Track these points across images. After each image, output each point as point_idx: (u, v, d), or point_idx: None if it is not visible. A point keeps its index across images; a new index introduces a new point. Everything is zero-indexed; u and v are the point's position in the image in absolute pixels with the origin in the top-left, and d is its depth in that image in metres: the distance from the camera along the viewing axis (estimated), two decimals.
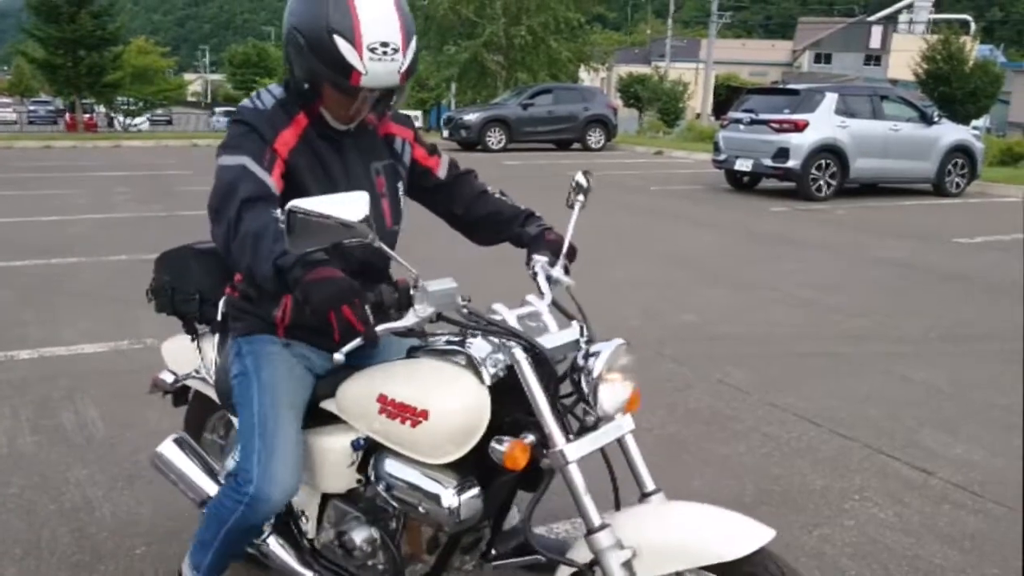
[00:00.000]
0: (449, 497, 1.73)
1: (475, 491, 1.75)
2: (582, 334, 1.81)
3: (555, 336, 1.78)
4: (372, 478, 1.88)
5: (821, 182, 11.86)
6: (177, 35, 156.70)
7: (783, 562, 1.56)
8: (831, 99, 12.03)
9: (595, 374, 1.67)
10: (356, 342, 1.66)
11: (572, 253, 2.05)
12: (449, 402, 1.71)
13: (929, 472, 3.32)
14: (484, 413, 1.70)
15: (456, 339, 1.79)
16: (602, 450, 1.77)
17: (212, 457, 2.43)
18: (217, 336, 2.26)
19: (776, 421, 3.82)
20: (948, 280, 6.90)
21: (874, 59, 57.65)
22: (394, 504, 1.86)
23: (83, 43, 28.80)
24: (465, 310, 1.70)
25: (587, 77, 36.11)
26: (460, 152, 17.82)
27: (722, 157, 12.84)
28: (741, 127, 12.58)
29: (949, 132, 12.87)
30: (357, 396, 1.88)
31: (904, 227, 9.75)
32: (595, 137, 20.44)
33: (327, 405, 1.97)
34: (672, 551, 1.56)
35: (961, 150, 12.72)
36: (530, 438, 1.68)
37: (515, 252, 2.16)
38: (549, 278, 1.96)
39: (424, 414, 1.72)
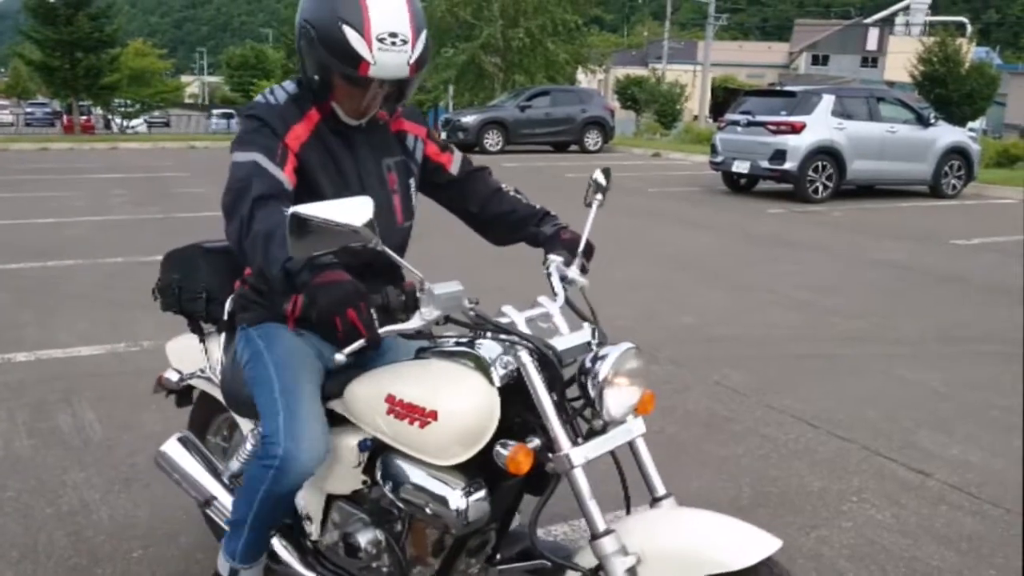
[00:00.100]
0: (457, 499, 1.71)
1: (482, 493, 1.73)
2: (593, 336, 1.80)
3: (565, 338, 1.77)
4: (378, 479, 1.86)
5: (818, 184, 11.88)
6: (174, 37, 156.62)
7: (786, 571, 1.55)
8: (828, 101, 12.05)
9: (601, 378, 1.66)
10: (358, 343, 1.66)
11: (589, 251, 2.04)
12: (458, 403, 1.70)
13: (926, 473, 3.33)
14: (493, 414, 1.69)
15: (465, 340, 1.78)
16: (613, 453, 1.76)
17: (216, 459, 2.42)
18: (224, 335, 2.25)
19: (774, 423, 3.82)
20: (945, 282, 6.91)
21: (871, 61, 57.79)
22: (400, 506, 1.84)
23: (80, 45, 28.80)
24: (472, 312, 1.69)
25: (584, 79, 36.13)
26: None
27: (719, 159, 12.86)
28: (738, 129, 12.60)
29: (945, 134, 12.90)
30: (365, 396, 1.86)
31: (901, 229, 9.77)
32: (592, 139, 20.45)
33: (334, 406, 1.96)
34: (677, 559, 1.55)
35: (957, 152, 12.75)
36: (535, 442, 1.67)
37: (529, 251, 2.15)
38: (563, 278, 1.95)
39: (433, 415, 1.70)
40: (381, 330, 1.65)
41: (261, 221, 1.75)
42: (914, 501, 3.10)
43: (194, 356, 2.37)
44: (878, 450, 3.54)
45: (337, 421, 1.95)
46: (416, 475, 1.78)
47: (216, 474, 2.31)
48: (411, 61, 1.81)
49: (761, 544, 1.52)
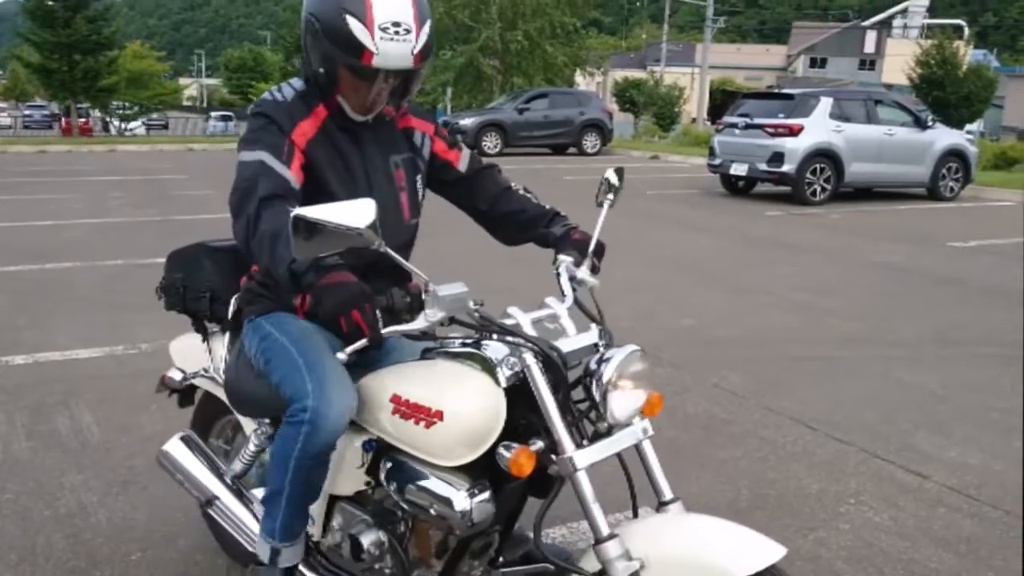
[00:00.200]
0: (461, 500, 1.70)
1: (487, 495, 1.72)
2: (600, 338, 1.79)
3: (571, 340, 1.76)
4: (382, 480, 1.86)
5: (816, 186, 11.89)
6: (172, 39, 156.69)
7: None
8: (826, 104, 12.07)
9: (605, 380, 1.65)
10: (360, 343, 1.66)
11: (600, 251, 2.03)
12: (464, 403, 1.69)
13: (924, 476, 3.33)
14: (499, 415, 1.68)
15: (471, 341, 1.78)
16: (620, 456, 1.75)
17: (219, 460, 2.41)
18: (227, 335, 2.25)
19: (772, 425, 3.82)
20: (943, 284, 6.92)
21: (869, 64, 57.90)
22: (403, 507, 1.84)
23: (78, 47, 28.80)
24: (477, 314, 1.69)
25: (583, 82, 36.17)
26: None
27: (717, 161, 12.87)
28: (736, 131, 12.62)
29: (943, 136, 12.92)
30: (370, 396, 1.86)
31: (899, 231, 9.78)
32: (591, 141, 20.45)
33: None
34: (680, 565, 1.54)
35: (955, 154, 12.77)
36: (539, 444, 1.66)
37: (539, 251, 2.15)
38: (573, 279, 1.94)
39: (439, 415, 1.69)
40: (385, 330, 1.65)
41: (267, 221, 1.76)
42: (912, 503, 3.10)
43: (197, 356, 2.37)
44: (876, 452, 3.54)
45: None
46: (420, 476, 1.77)
47: (219, 474, 2.30)
48: (415, 51, 1.81)
49: (765, 552, 1.51)
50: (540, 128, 19.91)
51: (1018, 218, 10.83)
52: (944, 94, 26.94)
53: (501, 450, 1.67)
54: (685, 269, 7.40)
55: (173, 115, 46.68)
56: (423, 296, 1.65)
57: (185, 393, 2.50)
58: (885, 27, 59.79)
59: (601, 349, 1.75)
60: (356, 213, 1.54)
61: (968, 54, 32.14)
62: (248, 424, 2.24)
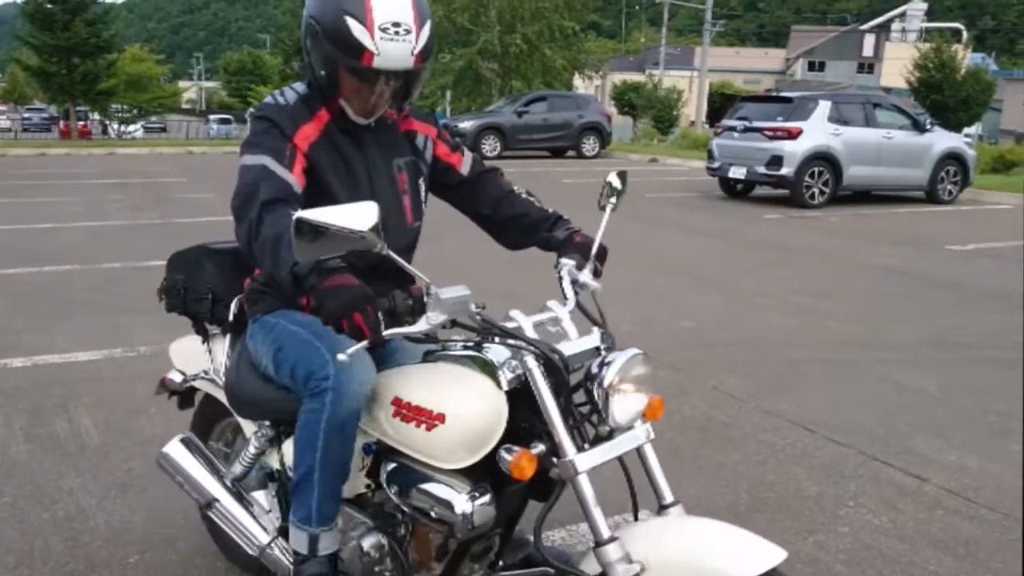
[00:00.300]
0: (462, 503, 1.69)
1: (488, 497, 1.72)
2: (602, 341, 1.79)
3: (573, 343, 1.76)
4: (382, 483, 1.85)
5: (814, 189, 11.90)
6: (171, 42, 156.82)
7: None
8: (824, 107, 12.08)
9: (606, 383, 1.65)
10: (360, 344, 1.66)
11: (603, 254, 2.02)
12: (466, 405, 1.69)
13: (923, 478, 3.33)
14: (501, 418, 1.68)
15: (472, 344, 1.78)
16: (621, 460, 1.75)
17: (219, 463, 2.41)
18: (228, 336, 2.25)
19: (771, 428, 3.82)
20: (941, 287, 6.93)
21: (867, 67, 57.98)
22: (404, 510, 1.83)
23: (77, 50, 28.84)
24: (478, 317, 1.69)
25: (581, 85, 36.22)
26: None
27: (716, 165, 12.89)
28: (735, 135, 12.63)
29: (941, 140, 12.93)
30: (371, 399, 1.86)
31: (897, 234, 9.79)
32: (590, 145, 20.47)
33: None
34: (680, 568, 1.54)
35: (953, 157, 12.78)
36: (540, 447, 1.67)
37: (542, 254, 2.15)
38: (575, 282, 1.94)
39: (440, 417, 1.70)
40: (387, 332, 1.65)
41: (270, 225, 1.76)
42: (911, 506, 3.10)
43: (198, 357, 2.37)
44: (875, 455, 3.54)
45: None
46: (421, 479, 1.77)
47: (219, 477, 2.29)
48: (415, 51, 1.81)
49: (766, 555, 1.51)
50: (539, 131, 19.93)
51: (1016, 221, 10.85)
52: (942, 97, 26.99)
53: (502, 453, 1.67)
54: (684, 272, 7.40)
55: (172, 118, 46.69)
56: (425, 299, 1.66)
57: (185, 395, 2.49)
58: (884, 31, 59.93)
59: (603, 352, 1.75)
60: (359, 216, 1.54)
61: (966, 58, 32.17)
62: (248, 427, 2.24)
